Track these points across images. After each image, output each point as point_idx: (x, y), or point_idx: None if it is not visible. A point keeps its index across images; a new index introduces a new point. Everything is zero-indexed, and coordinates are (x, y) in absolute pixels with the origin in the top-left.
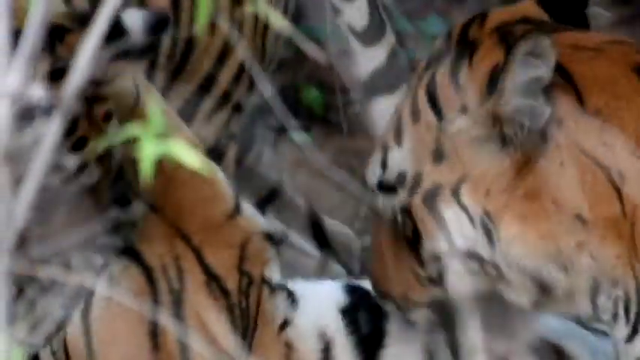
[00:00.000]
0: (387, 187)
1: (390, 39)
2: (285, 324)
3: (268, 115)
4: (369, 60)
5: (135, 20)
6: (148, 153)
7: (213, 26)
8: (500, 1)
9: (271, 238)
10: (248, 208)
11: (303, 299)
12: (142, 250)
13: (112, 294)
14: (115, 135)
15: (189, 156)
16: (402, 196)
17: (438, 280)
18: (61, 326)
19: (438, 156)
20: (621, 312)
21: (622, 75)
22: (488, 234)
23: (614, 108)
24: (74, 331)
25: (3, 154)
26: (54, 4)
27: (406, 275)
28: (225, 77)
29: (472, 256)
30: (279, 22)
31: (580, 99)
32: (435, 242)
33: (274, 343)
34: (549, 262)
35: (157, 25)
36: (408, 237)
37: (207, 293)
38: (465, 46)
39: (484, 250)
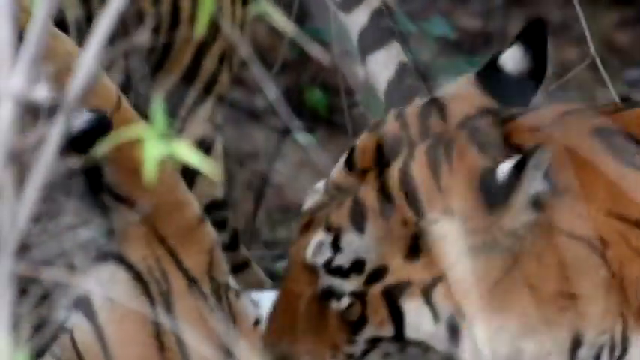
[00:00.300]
0: (335, 270)
1: (372, 2)
2: (257, 322)
3: (273, 117)
4: (354, 25)
5: (77, 120)
6: (151, 154)
7: (193, 16)
8: (503, 3)
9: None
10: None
11: (263, 301)
12: (125, 252)
13: (119, 298)
14: (117, 136)
15: (193, 157)
16: (355, 282)
17: (358, 358)
18: (62, 329)
19: (413, 252)
20: (605, 355)
21: (582, 143)
22: (455, 332)
23: (581, 179)
24: (85, 337)
25: (6, 155)
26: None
27: (323, 348)
28: (207, 67)
29: (419, 345)
30: (282, 23)
31: (550, 180)
32: (382, 330)
33: (254, 338)
34: (527, 339)
35: (96, 129)
36: (351, 319)
37: (191, 295)
38: (435, 141)
39: (441, 345)
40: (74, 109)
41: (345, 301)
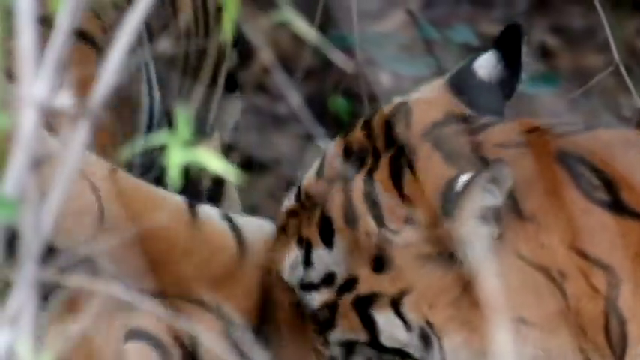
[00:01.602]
0: (307, 286)
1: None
2: None
3: (296, 124)
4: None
5: None
6: (175, 161)
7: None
8: (525, 10)
9: None
10: None
11: None
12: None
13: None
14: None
15: (215, 163)
16: (326, 295)
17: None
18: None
19: (379, 264)
20: None
21: (548, 170)
22: (427, 341)
23: (546, 208)
24: None
25: (30, 162)
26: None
27: (306, 352)
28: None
29: (398, 351)
30: (305, 30)
31: (516, 206)
32: (354, 334)
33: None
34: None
35: None
36: (321, 326)
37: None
38: (399, 150)
39: (417, 353)
40: (96, 115)
41: (318, 312)
